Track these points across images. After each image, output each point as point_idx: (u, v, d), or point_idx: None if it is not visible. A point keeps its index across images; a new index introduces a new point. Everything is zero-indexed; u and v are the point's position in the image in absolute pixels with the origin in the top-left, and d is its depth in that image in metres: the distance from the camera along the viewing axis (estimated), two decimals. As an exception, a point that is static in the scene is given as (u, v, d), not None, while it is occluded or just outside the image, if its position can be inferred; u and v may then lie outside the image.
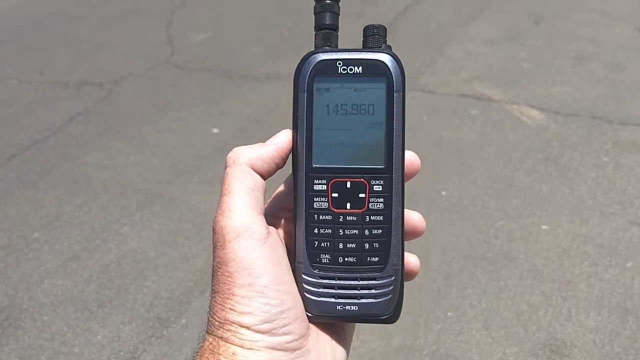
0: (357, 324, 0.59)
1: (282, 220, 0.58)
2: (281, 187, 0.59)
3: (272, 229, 0.54)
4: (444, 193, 2.58)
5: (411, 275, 0.59)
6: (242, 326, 0.50)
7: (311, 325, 0.54)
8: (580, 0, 4.75)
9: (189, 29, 4.46)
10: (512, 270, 2.18)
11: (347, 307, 0.55)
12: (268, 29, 4.42)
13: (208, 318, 0.52)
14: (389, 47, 0.56)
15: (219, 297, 0.50)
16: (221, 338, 0.50)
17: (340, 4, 0.58)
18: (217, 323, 0.50)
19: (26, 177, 2.80)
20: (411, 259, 0.58)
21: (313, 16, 0.57)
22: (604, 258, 2.23)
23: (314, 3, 0.57)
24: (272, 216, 0.57)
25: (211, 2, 4.98)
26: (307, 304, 0.55)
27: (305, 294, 0.55)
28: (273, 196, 0.60)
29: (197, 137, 3.08)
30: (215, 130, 3.14)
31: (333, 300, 0.55)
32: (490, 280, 2.15)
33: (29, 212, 2.56)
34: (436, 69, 3.69)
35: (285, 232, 0.57)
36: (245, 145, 0.56)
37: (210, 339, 0.50)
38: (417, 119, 3.12)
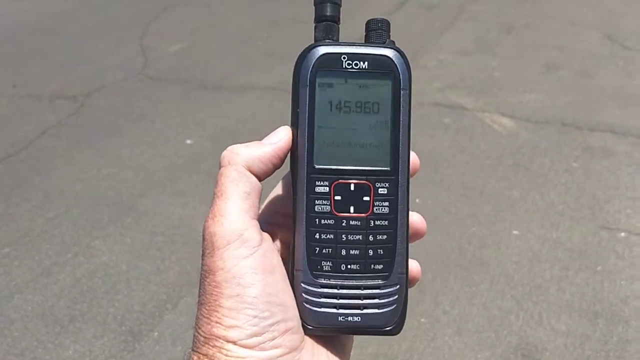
0: (356, 335, 0.56)
1: (278, 227, 0.54)
2: (277, 190, 0.55)
3: (266, 235, 0.51)
4: (417, 200, 2.60)
5: (413, 282, 0.55)
6: (228, 341, 0.46)
7: (306, 338, 0.51)
8: (550, 10, 4.84)
9: (162, 41, 4.45)
10: (484, 275, 2.20)
11: (349, 318, 0.51)
12: (243, 40, 4.43)
13: (194, 333, 0.48)
14: (393, 42, 0.53)
15: (205, 309, 0.47)
16: (206, 356, 0.46)
17: None
18: (202, 339, 0.46)
19: (-3, 192, 2.77)
20: (413, 265, 0.55)
21: (313, 8, 0.53)
22: (574, 262, 2.26)
23: None
24: (266, 222, 0.54)
25: (185, 14, 4.98)
26: (305, 314, 0.51)
27: (304, 304, 0.51)
28: (268, 200, 0.56)
29: (171, 149, 3.07)
30: (189, 142, 3.13)
31: (334, 310, 0.51)
32: (462, 286, 2.17)
33: (0, 227, 2.54)
34: (409, 79, 3.72)
35: (281, 239, 0.54)
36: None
37: (195, 358, 0.47)
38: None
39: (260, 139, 0.53)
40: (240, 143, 0.52)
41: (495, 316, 2.03)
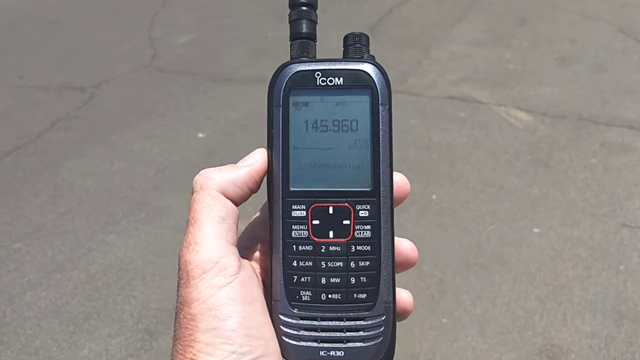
0: None
1: (258, 253, 0.51)
2: (257, 215, 0.53)
3: (245, 262, 0.48)
4: (434, 197, 2.55)
5: (404, 314, 0.52)
6: None
7: None
8: (563, 2, 4.77)
9: (170, 32, 4.39)
10: (506, 274, 2.16)
11: (332, 353, 0.48)
12: (252, 31, 4.37)
13: None
14: (372, 57, 0.51)
15: (180, 344, 0.44)
16: None
17: (317, 12, 0.53)
18: None
19: (6, 185, 2.73)
20: (403, 295, 0.52)
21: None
22: (597, 261, 2.22)
23: (289, 11, 0.52)
24: (246, 248, 0.51)
25: (193, 5, 4.91)
26: (284, 348, 0.48)
27: (283, 337, 0.48)
28: (247, 225, 0.53)
29: (183, 143, 3.02)
30: (200, 135, 3.09)
31: (315, 344, 0.48)
32: (484, 285, 2.13)
33: (10, 222, 2.49)
34: (422, 72, 3.67)
35: (262, 267, 0.51)
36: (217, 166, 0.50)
37: None
38: (405, 123, 3.10)
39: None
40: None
41: (519, 317, 1.99)
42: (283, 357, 0.48)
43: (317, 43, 0.53)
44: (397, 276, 0.51)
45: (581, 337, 1.93)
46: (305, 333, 0.48)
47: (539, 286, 2.11)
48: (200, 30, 4.43)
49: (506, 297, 2.07)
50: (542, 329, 1.95)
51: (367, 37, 0.52)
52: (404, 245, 0.51)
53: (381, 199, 0.48)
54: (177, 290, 0.45)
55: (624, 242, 2.32)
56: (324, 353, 0.48)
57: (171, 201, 2.57)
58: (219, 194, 0.48)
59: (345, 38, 0.52)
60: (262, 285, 0.49)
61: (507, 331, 1.95)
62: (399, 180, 0.50)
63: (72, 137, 3.09)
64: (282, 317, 0.48)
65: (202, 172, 0.49)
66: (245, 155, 0.51)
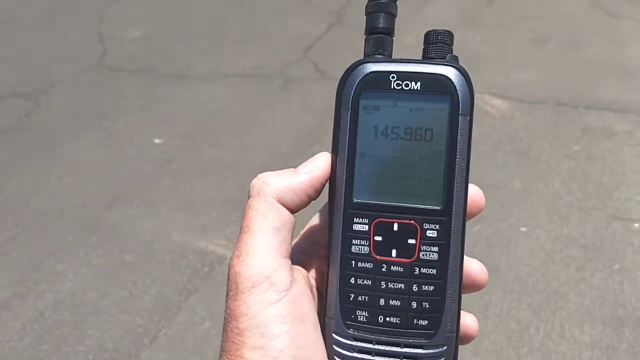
0: None
1: (316, 259, 0.48)
2: (315, 220, 0.50)
3: (299, 274, 0.45)
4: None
5: (467, 339, 0.48)
6: None
7: None
8: (530, -23, 4.62)
9: (121, 27, 4.11)
10: (496, 282, 2.01)
11: None
12: (208, 22, 4.12)
13: None
14: (456, 58, 0.45)
15: (227, 357, 0.42)
16: None
17: (397, 3, 0.47)
18: None
19: (-57, 210, 2.47)
20: (468, 320, 0.48)
21: (364, 16, 0.47)
22: (590, 261, 2.08)
23: (366, 1, 0.47)
24: (303, 252, 0.48)
25: (144, -4, 4.63)
26: None
27: (335, 357, 0.45)
28: (306, 228, 0.50)
29: (137, 150, 2.78)
30: (157, 141, 2.85)
31: None
32: (473, 295, 1.96)
33: (-53, 253, 2.24)
34: (391, 59, 3.48)
35: (318, 273, 0.48)
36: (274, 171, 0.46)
37: None
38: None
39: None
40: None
41: (514, 331, 1.84)
42: None
43: (394, 38, 0.48)
44: None
45: (580, 349, 1.78)
46: (359, 355, 0.45)
47: (531, 294, 1.96)
48: (154, 24, 4.16)
49: (498, 309, 1.91)
50: (539, 344, 1.80)
51: (451, 35, 0.46)
52: (472, 267, 0.48)
53: (452, 219, 0.44)
54: (226, 301, 0.43)
55: (616, 237, 2.18)
56: None
57: (125, 220, 2.34)
58: (275, 202, 0.45)
59: (427, 35, 0.47)
60: (315, 296, 0.46)
61: (502, 348, 1.79)
62: (473, 193, 0.46)
63: (16, 152, 2.83)
64: (335, 336, 0.45)
65: (260, 176, 0.46)
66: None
